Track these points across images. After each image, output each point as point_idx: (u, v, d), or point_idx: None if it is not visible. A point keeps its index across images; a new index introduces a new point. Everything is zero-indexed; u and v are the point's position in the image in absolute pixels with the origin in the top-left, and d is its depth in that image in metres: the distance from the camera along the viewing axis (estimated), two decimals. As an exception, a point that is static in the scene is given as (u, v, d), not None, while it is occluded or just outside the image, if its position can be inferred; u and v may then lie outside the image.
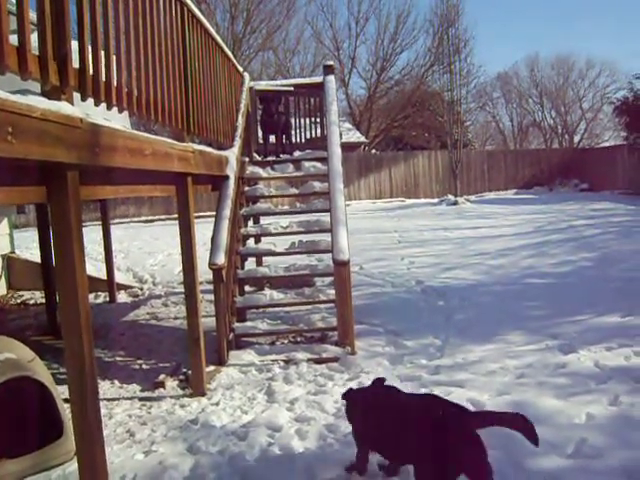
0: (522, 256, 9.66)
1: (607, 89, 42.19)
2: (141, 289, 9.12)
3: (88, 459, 2.97)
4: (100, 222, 9.11)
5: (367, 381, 4.68)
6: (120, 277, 9.41)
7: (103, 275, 8.80)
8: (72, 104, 2.76)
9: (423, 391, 4.39)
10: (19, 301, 8.91)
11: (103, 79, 3.21)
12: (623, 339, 5.26)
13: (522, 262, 9.19)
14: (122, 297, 8.76)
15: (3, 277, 9.14)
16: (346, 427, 3.84)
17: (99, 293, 8.86)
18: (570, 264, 8.86)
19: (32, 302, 8.82)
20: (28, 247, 10.63)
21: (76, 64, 2.92)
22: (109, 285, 8.63)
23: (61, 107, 2.55)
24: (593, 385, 4.32)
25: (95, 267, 9.44)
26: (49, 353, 5.53)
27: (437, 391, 4.31)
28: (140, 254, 11.51)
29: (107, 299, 8.64)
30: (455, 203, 19.55)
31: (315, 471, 3.31)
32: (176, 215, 4.96)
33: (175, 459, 3.54)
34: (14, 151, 2.20)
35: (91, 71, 3.06)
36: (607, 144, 36.64)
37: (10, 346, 3.77)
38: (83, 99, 3.03)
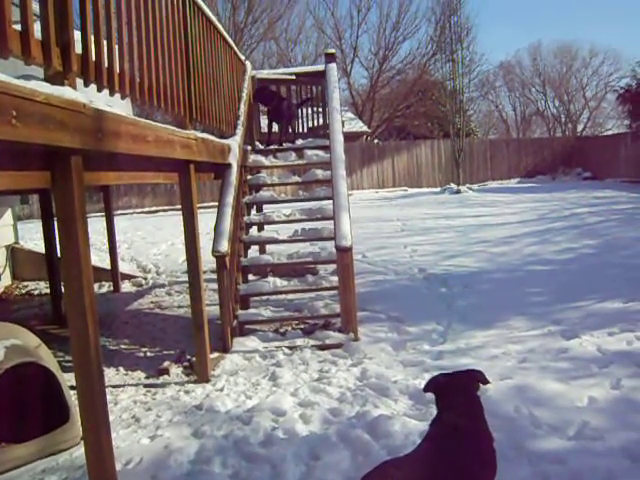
0: (524, 244, 9.65)
1: (610, 77, 41.98)
2: (145, 279, 9.14)
3: (94, 444, 2.99)
4: (103, 213, 9.13)
5: (373, 366, 4.72)
6: (124, 267, 9.43)
7: (107, 265, 8.83)
8: (75, 89, 2.77)
9: (426, 376, 4.41)
10: (24, 291, 8.95)
11: (105, 65, 3.21)
12: (625, 324, 5.28)
13: (524, 250, 9.19)
14: (126, 287, 8.79)
15: (8, 268, 9.17)
16: (349, 411, 3.88)
17: (103, 283, 8.90)
18: (572, 251, 8.85)
19: (37, 292, 8.85)
20: (32, 238, 10.67)
21: (79, 50, 2.93)
22: (113, 275, 8.65)
23: (64, 92, 2.56)
24: (595, 369, 4.34)
25: (99, 257, 9.47)
26: (54, 342, 5.54)
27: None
28: (144, 244, 11.54)
29: (111, 289, 8.67)
30: (458, 192, 19.52)
31: (319, 454, 3.33)
32: (179, 206, 4.98)
33: (180, 443, 3.57)
34: (18, 135, 2.21)
35: (94, 57, 3.06)
36: (610, 133, 36.48)
37: (16, 333, 3.81)
38: (86, 85, 3.04)
